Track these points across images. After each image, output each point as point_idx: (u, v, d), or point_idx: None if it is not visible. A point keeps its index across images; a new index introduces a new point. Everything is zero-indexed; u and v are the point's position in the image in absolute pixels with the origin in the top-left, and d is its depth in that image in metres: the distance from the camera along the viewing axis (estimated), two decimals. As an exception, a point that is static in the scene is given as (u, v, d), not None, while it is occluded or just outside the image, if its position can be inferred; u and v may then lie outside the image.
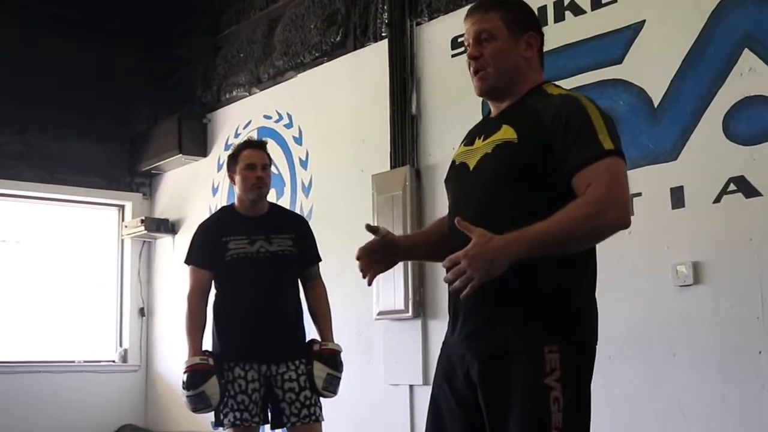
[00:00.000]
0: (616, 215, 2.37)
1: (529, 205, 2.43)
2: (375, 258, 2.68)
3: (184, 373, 4.13)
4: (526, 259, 2.33)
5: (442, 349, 2.66)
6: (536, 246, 2.32)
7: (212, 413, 4.19)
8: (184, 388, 4.13)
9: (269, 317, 4.22)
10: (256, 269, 4.24)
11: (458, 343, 2.52)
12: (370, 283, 2.67)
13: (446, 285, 2.43)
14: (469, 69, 2.63)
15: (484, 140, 2.58)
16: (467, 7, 2.80)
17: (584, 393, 2.46)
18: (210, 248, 4.27)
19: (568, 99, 2.56)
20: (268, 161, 4.39)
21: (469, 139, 2.69)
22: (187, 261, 4.35)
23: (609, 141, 2.42)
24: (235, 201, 4.40)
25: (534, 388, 2.34)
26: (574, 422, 2.38)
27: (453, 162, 2.73)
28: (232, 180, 4.35)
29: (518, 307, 2.43)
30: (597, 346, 2.56)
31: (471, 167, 2.58)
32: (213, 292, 4.34)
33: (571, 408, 2.37)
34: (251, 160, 4.30)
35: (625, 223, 2.39)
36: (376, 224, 2.70)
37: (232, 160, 4.36)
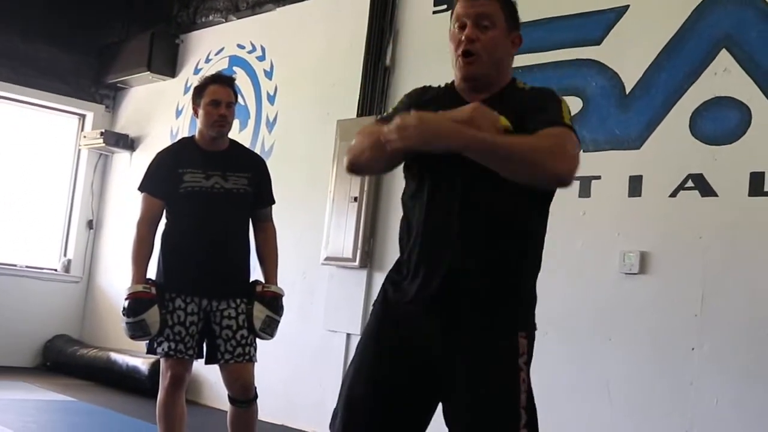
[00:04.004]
0: (565, 166, 2.34)
1: (524, 194, 2.45)
2: None
3: (126, 299, 4.10)
4: (510, 247, 2.47)
5: (383, 310, 2.58)
6: (482, 150, 2.33)
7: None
8: (124, 314, 4.10)
9: (216, 253, 4.19)
10: (209, 204, 4.19)
11: (425, 305, 2.48)
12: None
13: (399, 239, 2.57)
14: (456, 49, 2.53)
15: None
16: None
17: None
18: (165, 178, 4.22)
19: (543, 89, 2.60)
20: (234, 99, 4.32)
21: None
22: (141, 188, 4.29)
23: (570, 122, 2.44)
24: (196, 134, 4.35)
25: (512, 367, 2.42)
26: (531, 403, 2.44)
27: None
28: (195, 113, 4.28)
29: (503, 289, 2.48)
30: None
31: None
32: (163, 221, 4.30)
33: (530, 390, 2.45)
34: (216, 96, 4.23)
35: (567, 178, 2.36)
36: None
37: (198, 92, 4.28)
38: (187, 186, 4.17)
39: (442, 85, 2.66)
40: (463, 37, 2.50)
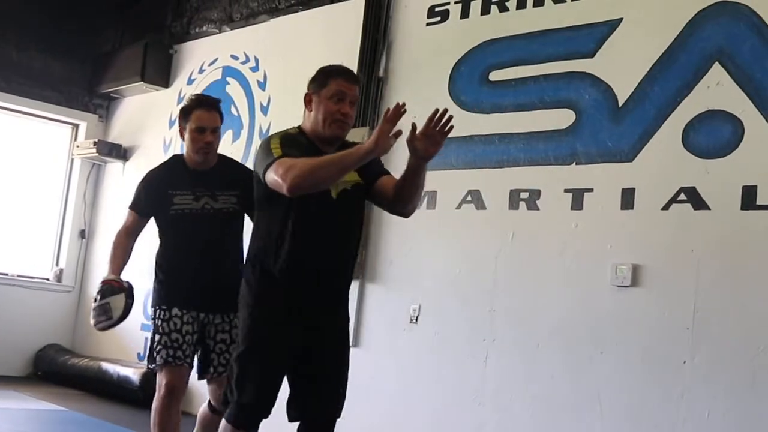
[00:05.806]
0: None
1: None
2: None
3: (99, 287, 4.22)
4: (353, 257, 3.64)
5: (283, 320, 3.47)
6: None
7: (146, 353, 4.27)
8: (94, 300, 4.20)
9: (210, 272, 4.24)
10: (200, 225, 4.25)
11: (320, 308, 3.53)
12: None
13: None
14: (333, 115, 3.52)
15: None
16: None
17: None
18: (154, 199, 4.30)
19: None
20: (220, 122, 4.34)
21: None
22: (131, 207, 4.38)
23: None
24: (185, 153, 4.39)
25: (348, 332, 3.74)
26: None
27: None
28: (182, 135, 4.33)
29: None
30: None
31: (333, 195, 3.45)
32: (157, 242, 4.37)
33: None
34: (201, 123, 4.24)
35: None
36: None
37: (184, 116, 4.30)
38: (177, 209, 4.24)
39: (295, 132, 3.63)
40: (343, 111, 3.52)
